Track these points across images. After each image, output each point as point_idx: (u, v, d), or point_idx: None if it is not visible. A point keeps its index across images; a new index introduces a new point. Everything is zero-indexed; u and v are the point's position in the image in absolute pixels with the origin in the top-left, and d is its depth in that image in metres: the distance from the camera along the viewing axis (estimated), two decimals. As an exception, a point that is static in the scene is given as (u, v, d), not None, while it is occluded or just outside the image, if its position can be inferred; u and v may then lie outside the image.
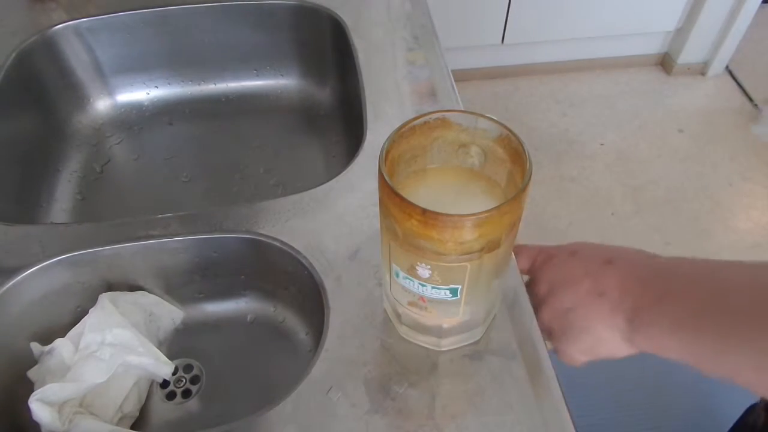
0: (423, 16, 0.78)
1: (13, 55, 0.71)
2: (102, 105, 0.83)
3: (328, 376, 0.45)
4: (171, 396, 0.57)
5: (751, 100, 1.91)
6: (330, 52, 0.81)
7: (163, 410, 0.56)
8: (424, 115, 0.39)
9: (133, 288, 0.57)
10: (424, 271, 0.38)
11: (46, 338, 0.53)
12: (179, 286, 0.59)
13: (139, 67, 0.82)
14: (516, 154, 0.38)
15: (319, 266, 0.52)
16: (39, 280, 0.53)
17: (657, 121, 1.86)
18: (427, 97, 0.67)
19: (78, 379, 0.49)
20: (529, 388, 0.45)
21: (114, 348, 0.51)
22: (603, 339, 0.40)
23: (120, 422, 0.52)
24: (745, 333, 0.33)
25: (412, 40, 0.74)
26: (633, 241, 1.56)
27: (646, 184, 1.68)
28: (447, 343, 0.46)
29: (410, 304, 0.42)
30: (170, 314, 0.59)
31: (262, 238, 0.54)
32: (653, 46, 2.00)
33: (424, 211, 0.34)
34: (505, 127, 0.38)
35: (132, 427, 0.53)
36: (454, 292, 0.39)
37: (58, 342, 0.52)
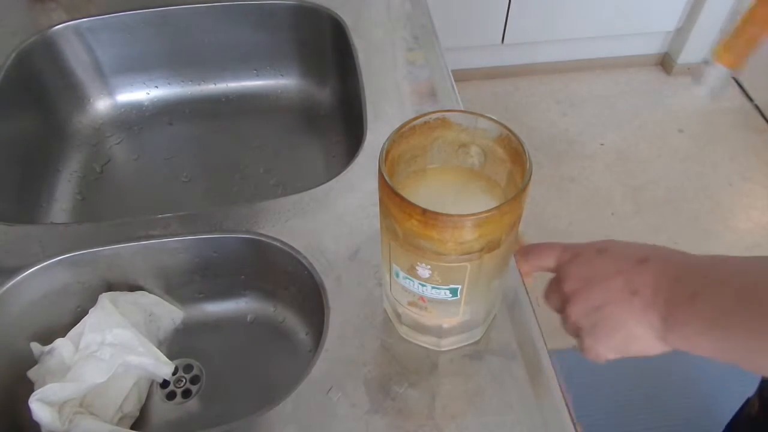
0: (423, 16, 0.78)
1: (13, 55, 0.71)
2: (102, 105, 0.83)
3: (328, 376, 0.45)
4: (171, 396, 0.57)
5: (751, 100, 1.91)
6: (330, 52, 0.81)
7: (163, 410, 0.56)
8: (424, 115, 0.39)
9: (133, 288, 0.57)
10: (424, 271, 0.38)
11: (46, 338, 0.53)
12: (179, 286, 0.59)
13: (139, 67, 0.82)
14: (516, 154, 0.38)
15: (319, 266, 0.52)
16: (39, 280, 0.53)
17: (657, 121, 1.86)
18: (427, 97, 0.67)
19: (78, 379, 0.49)
20: (529, 388, 0.45)
21: (114, 348, 0.51)
22: (635, 336, 0.40)
23: (120, 422, 0.52)
24: None
25: (412, 40, 0.74)
26: (633, 241, 1.56)
27: (646, 184, 1.68)
28: (447, 343, 0.46)
29: (410, 304, 0.42)
30: (170, 314, 0.59)
31: (262, 238, 0.54)
32: (653, 46, 2.00)
33: (424, 211, 0.34)
34: (505, 127, 0.38)
35: (132, 427, 0.53)
36: (454, 292, 0.39)
37: (58, 342, 0.52)
